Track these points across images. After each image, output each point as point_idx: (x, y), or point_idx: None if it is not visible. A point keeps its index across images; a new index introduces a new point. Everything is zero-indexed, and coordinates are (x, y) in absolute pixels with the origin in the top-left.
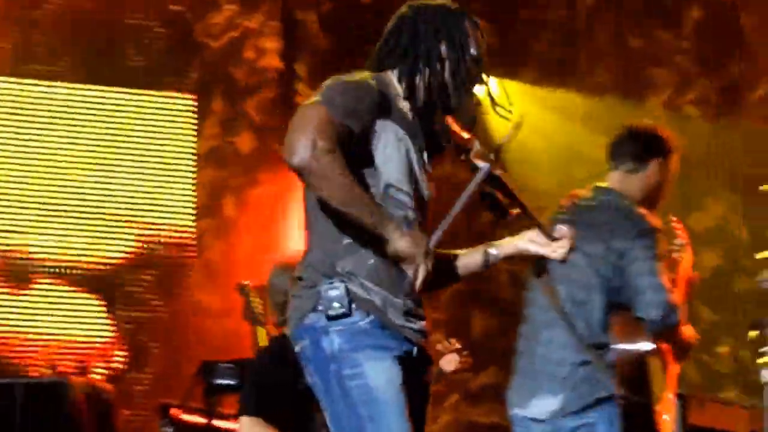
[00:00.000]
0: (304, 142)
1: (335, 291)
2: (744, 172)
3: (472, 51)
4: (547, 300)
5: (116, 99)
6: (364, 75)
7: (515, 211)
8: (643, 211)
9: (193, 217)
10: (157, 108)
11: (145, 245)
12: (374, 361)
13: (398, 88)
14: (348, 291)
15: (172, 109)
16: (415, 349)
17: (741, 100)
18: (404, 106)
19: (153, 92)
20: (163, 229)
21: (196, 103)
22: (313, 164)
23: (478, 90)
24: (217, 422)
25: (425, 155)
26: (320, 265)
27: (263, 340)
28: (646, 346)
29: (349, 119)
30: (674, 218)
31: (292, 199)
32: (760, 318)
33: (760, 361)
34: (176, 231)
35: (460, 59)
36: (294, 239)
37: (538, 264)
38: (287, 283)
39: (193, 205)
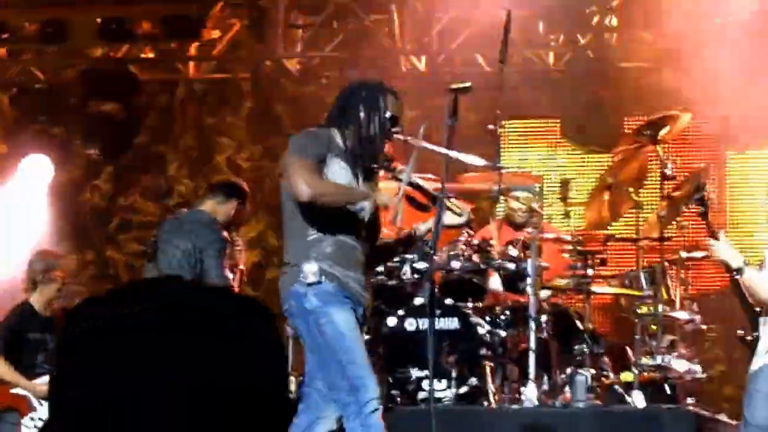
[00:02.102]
0: (301, 185)
1: (311, 267)
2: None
3: (386, 113)
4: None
5: None
6: (318, 130)
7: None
8: (220, 226)
9: None
10: None
11: None
12: (340, 313)
13: (338, 138)
14: (319, 268)
15: None
16: (361, 309)
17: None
18: (341, 148)
19: None
20: None
21: None
22: (315, 194)
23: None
24: None
25: (360, 175)
26: (299, 252)
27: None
28: None
29: (314, 157)
30: (236, 236)
31: None
32: None
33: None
34: None
35: (373, 119)
36: None
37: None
38: (41, 264)
39: None
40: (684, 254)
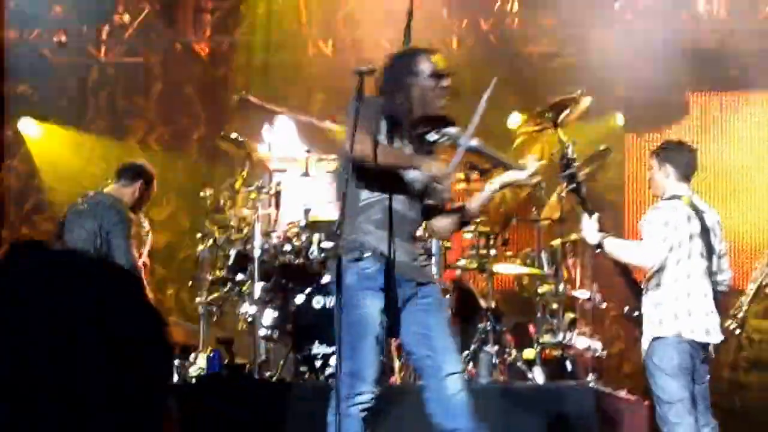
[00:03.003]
0: (347, 146)
1: (354, 242)
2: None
3: (422, 76)
4: None
5: None
6: (371, 98)
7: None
8: (125, 207)
9: None
10: None
11: None
12: (371, 300)
13: (388, 107)
14: (362, 243)
15: None
16: (410, 285)
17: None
18: (392, 117)
19: None
20: None
21: None
22: (358, 156)
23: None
24: None
25: (413, 144)
26: (350, 220)
27: None
28: None
29: (365, 121)
30: (142, 217)
31: None
32: (195, 273)
33: (198, 300)
34: None
35: (418, 83)
36: None
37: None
38: None
39: None
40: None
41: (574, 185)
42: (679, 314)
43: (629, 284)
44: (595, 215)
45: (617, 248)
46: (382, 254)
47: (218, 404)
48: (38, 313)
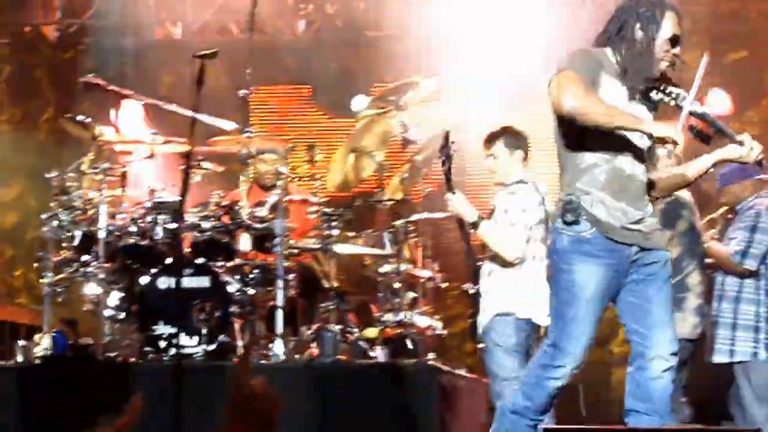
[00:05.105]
0: (566, 95)
1: (570, 204)
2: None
3: (661, 33)
4: None
5: None
6: (591, 49)
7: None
8: None
9: None
10: None
11: None
12: (585, 264)
13: (612, 57)
14: (579, 205)
15: None
16: (634, 249)
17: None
18: (616, 69)
19: None
20: None
21: None
22: (578, 106)
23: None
24: None
25: (636, 100)
26: (570, 183)
27: None
28: None
29: (585, 72)
30: None
31: None
32: (40, 254)
33: (43, 281)
34: None
35: (650, 37)
36: None
37: None
38: None
39: None
40: (426, 215)
41: (447, 163)
42: (522, 294)
43: (469, 260)
44: (458, 191)
45: (490, 232)
46: (599, 221)
47: (62, 384)
48: None
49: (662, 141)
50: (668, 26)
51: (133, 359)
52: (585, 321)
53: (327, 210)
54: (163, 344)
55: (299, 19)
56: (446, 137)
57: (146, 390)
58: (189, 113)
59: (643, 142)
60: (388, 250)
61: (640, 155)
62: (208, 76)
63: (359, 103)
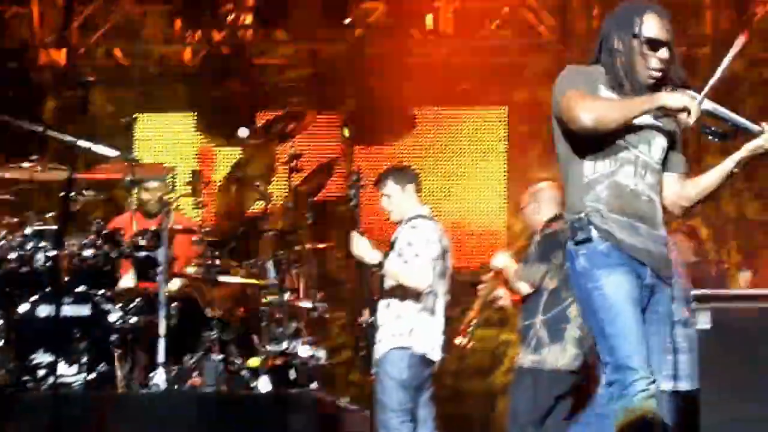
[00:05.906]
0: (580, 114)
1: (580, 222)
2: None
3: (643, 35)
4: None
5: None
6: (586, 67)
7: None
8: None
9: None
10: None
11: None
12: (610, 276)
13: (605, 73)
14: (589, 221)
15: None
16: (648, 272)
17: None
18: (610, 84)
19: None
20: None
21: None
22: (597, 116)
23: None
24: None
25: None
26: (574, 201)
27: None
28: None
29: (585, 86)
30: None
31: None
32: None
33: None
34: None
35: (626, 47)
36: None
37: None
38: None
39: None
40: (308, 246)
41: (355, 202)
42: (418, 329)
43: (365, 293)
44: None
45: (395, 268)
46: (612, 234)
47: None
48: None
49: (678, 111)
50: (647, 28)
51: (9, 389)
52: (634, 328)
53: (210, 239)
54: (41, 373)
55: (186, 47)
56: (357, 175)
57: (24, 419)
58: (71, 139)
59: (653, 154)
60: (272, 279)
61: (645, 168)
62: (92, 103)
63: (245, 132)
